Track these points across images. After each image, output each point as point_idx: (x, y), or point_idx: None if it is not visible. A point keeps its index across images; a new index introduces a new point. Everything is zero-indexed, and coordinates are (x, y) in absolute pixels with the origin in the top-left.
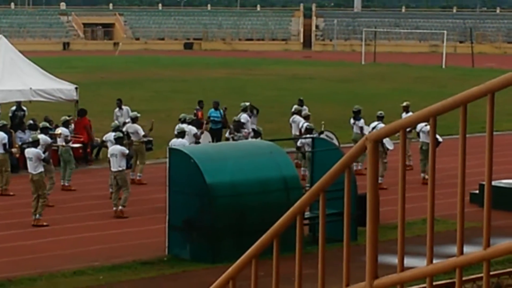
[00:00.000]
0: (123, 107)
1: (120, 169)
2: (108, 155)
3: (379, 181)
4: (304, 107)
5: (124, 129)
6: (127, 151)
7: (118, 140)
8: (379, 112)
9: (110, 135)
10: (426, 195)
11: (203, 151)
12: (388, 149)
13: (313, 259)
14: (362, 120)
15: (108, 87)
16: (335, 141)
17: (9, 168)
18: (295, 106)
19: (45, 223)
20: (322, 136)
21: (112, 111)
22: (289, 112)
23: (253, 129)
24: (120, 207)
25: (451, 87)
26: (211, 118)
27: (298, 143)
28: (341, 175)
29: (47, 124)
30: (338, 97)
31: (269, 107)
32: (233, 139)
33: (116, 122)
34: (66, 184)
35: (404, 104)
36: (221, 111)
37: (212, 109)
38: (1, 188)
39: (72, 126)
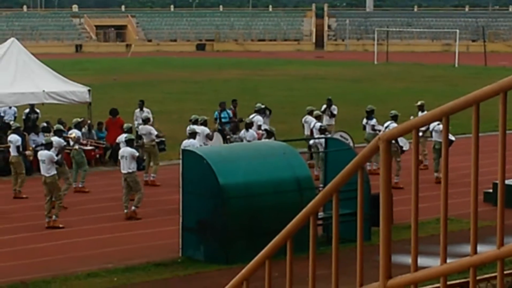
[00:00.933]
0: (144, 108)
1: (130, 171)
2: (119, 157)
3: (396, 180)
4: (333, 106)
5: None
6: (137, 154)
7: (128, 142)
8: (392, 111)
9: (122, 137)
10: (439, 195)
11: (216, 152)
12: (403, 148)
13: (327, 259)
14: (374, 120)
15: (120, 89)
16: (350, 142)
17: (24, 171)
18: (321, 107)
19: (61, 225)
20: (336, 136)
21: (124, 113)
22: (301, 112)
23: (265, 130)
24: (133, 208)
25: (463, 86)
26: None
27: (310, 142)
28: (355, 175)
29: (61, 127)
30: (350, 97)
31: (281, 108)
32: (230, 141)
33: (135, 122)
34: (80, 186)
35: (419, 103)
36: (229, 111)
37: (220, 110)
38: (15, 190)
39: (86, 127)
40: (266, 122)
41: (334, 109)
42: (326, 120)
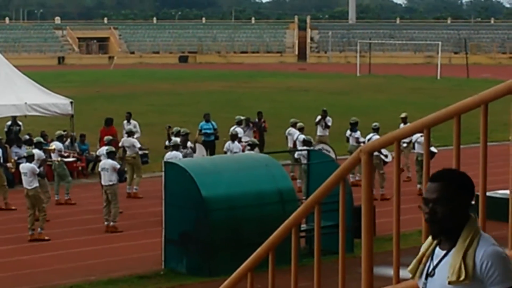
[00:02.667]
0: (131, 121)
1: (111, 183)
2: (99, 169)
3: (381, 192)
4: (328, 118)
5: (120, 144)
6: (118, 166)
7: (109, 155)
8: (374, 123)
9: (103, 149)
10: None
11: (199, 165)
12: (386, 160)
13: (309, 271)
14: (358, 132)
15: (103, 101)
16: (332, 154)
17: (5, 183)
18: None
19: (46, 237)
20: (317, 148)
21: None
22: (284, 124)
23: (248, 143)
24: (111, 223)
25: (446, 98)
26: (203, 131)
27: (296, 155)
28: (337, 187)
29: (41, 139)
30: (333, 109)
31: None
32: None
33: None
34: (66, 197)
35: (403, 115)
36: (213, 123)
37: (204, 122)
38: (5, 202)
39: (68, 140)
40: (248, 135)
41: (329, 120)
42: (319, 131)
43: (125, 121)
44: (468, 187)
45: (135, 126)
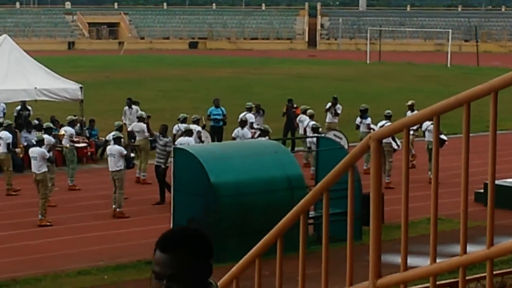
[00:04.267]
0: (133, 106)
1: (118, 169)
2: (107, 155)
3: (386, 180)
4: (338, 105)
5: (129, 128)
6: (125, 152)
7: (116, 140)
8: (387, 111)
9: (111, 135)
10: (430, 194)
11: (208, 151)
12: (395, 148)
13: (317, 258)
14: (369, 119)
15: (113, 86)
16: (344, 141)
17: (11, 168)
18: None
19: (48, 223)
20: (330, 135)
21: (116, 110)
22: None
23: (259, 129)
24: (117, 209)
25: (456, 86)
26: (212, 116)
27: (307, 144)
28: (346, 174)
29: (51, 125)
30: (343, 96)
31: (274, 106)
32: (159, 145)
33: (124, 120)
34: (70, 184)
35: (409, 103)
36: (222, 108)
37: (213, 107)
38: (7, 188)
39: (78, 125)
40: (259, 122)
41: (339, 108)
42: (329, 118)
43: (126, 107)
44: (204, 252)
45: (137, 111)
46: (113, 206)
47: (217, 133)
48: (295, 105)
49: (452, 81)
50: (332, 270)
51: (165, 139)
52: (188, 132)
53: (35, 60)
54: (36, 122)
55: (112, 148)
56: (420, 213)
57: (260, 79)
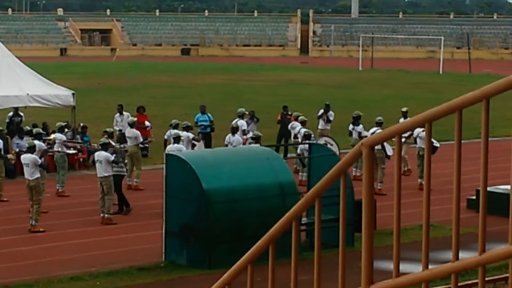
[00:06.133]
0: (124, 113)
1: (106, 175)
2: (95, 161)
3: (379, 187)
4: (331, 112)
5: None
6: (112, 158)
7: (103, 146)
8: (378, 118)
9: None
10: (422, 201)
11: (200, 157)
12: (388, 155)
13: (309, 264)
14: (361, 126)
15: (105, 93)
16: (335, 147)
17: (3, 174)
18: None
19: (41, 229)
20: (321, 141)
21: (108, 117)
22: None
23: (251, 137)
24: (106, 215)
25: (448, 93)
26: (199, 123)
27: (298, 151)
28: (338, 181)
29: (40, 130)
30: (335, 103)
31: (266, 113)
32: (120, 152)
33: (115, 127)
34: (60, 190)
35: (404, 109)
36: (209, 115)
37: (200, 114)
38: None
39: (70, 131)
40: (252, 128)
41: (331, 115)
42: (321, 125)
43: (117, 114)
44: None
45: (128, 117)
46: (101, 214)
47: (204, 140)
48: (289, 112)
49: (444, 88)
50: (324, 277)
51: (123, 145)
52: (177, 139)
53: (28, 66)
54: (28, 128)
55: (99, 155)
56: (412, 220)
57: (252, 86)
